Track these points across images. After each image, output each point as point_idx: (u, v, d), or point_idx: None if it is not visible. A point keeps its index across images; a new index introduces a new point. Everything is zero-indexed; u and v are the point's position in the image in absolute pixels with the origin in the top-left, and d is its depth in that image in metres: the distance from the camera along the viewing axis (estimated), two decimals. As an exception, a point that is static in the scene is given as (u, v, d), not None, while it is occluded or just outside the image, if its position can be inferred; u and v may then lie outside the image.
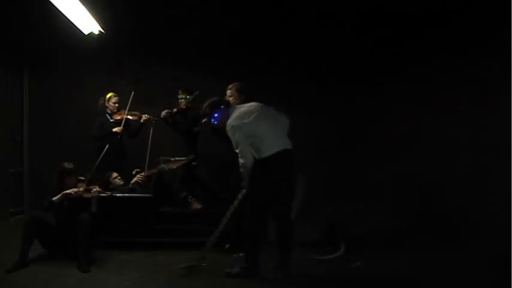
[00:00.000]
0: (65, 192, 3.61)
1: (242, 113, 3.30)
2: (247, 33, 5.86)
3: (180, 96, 4.68)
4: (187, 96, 4.63)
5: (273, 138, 3.22)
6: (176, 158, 4.52)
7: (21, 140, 5.58)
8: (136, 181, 4.39)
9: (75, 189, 3.65)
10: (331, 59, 6.01)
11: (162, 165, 4.29)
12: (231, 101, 3.91)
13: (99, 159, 3.97)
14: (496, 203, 3.39)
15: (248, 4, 5.70)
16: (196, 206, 4.02)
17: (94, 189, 3.75)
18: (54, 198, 3.59)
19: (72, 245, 3.48)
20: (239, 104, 3.82)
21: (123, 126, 4.70)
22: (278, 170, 3.21)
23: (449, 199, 4.02)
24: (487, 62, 3.58)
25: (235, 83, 3.95)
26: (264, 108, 3.38)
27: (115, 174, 4.44)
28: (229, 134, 3.25)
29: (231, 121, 3.26)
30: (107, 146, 4.12)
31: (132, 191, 4.27)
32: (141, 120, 4.77)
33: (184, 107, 4.65)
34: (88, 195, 3.71)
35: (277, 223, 3.35)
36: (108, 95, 4.83)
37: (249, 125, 3.21)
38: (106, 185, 4.31)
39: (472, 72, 3.77)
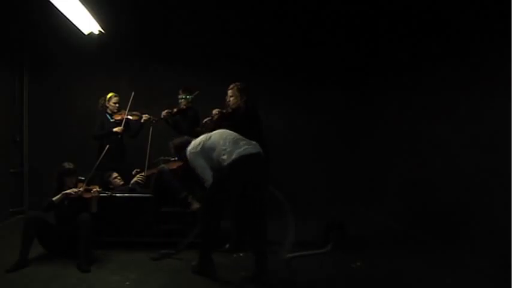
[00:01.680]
0: (64, 192, 3.62)
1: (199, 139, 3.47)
2: (248, 33, 5.86)
3: (180, 96, 4.69)
4: (188, 96, 4.64)
5: (231, 147, 3.25)
6: (176, 158, 4.51)
7: (21, 140, 5.58)
8: (136, 181, 4.39)
9: (75, 189, 3.65)
10: (331, 60, 6.02)
11: (162, 165, 4.29)
12: (232, 101, 3.91)
13: (99, 159, 3.96)
14: (496, 203, 3.39)
15: (248, 5, 5.71)
16: (196, 206, 4.01)
17: (94, 189, 3.75)
18: (54, 198, 3.60)
19: (72, 245, 3.48)
20: (240, 104, 3.82)
21: (124, 127, 4.71)
22: (238, 173, 3.22)
23: (449, 199, 4.02)
24: (487, 62, 3.57)
25: (237, 83, 3.94)
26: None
27: (115, 174, 4.45)
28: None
29: (189, 149, 3.45)
30: (107, 146, 4.12)
31: (132, 191, 4.27)
32: (141, 120, 4.78)
33: (184, 107, 4.66)
34: (88, 195, 3.71)
35: (252, 224, 3.32)
36: (108, 95, 4.83)
37: (206, 143, 3.38)
38: (106, 185, 4.31)
39: (471, 73, 3.77)
